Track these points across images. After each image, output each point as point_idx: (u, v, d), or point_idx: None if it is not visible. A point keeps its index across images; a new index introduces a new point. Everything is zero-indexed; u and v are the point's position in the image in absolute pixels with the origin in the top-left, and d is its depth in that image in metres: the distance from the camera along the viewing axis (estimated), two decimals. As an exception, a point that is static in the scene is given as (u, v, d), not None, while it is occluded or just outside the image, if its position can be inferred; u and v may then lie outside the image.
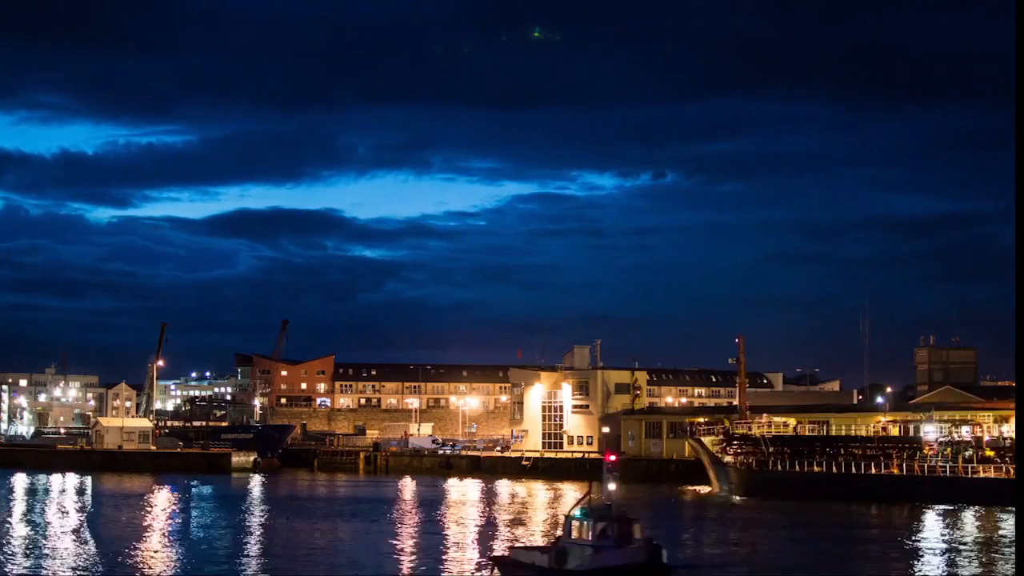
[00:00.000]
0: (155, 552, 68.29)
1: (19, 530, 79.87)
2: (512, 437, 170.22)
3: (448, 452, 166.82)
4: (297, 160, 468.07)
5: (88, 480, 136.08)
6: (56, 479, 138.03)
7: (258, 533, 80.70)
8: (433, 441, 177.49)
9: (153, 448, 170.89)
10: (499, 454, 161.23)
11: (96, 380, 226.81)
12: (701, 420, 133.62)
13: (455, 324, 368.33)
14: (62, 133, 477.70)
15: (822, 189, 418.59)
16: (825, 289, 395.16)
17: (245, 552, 68.80)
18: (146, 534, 78.10)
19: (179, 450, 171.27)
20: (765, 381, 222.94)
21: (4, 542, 71.70)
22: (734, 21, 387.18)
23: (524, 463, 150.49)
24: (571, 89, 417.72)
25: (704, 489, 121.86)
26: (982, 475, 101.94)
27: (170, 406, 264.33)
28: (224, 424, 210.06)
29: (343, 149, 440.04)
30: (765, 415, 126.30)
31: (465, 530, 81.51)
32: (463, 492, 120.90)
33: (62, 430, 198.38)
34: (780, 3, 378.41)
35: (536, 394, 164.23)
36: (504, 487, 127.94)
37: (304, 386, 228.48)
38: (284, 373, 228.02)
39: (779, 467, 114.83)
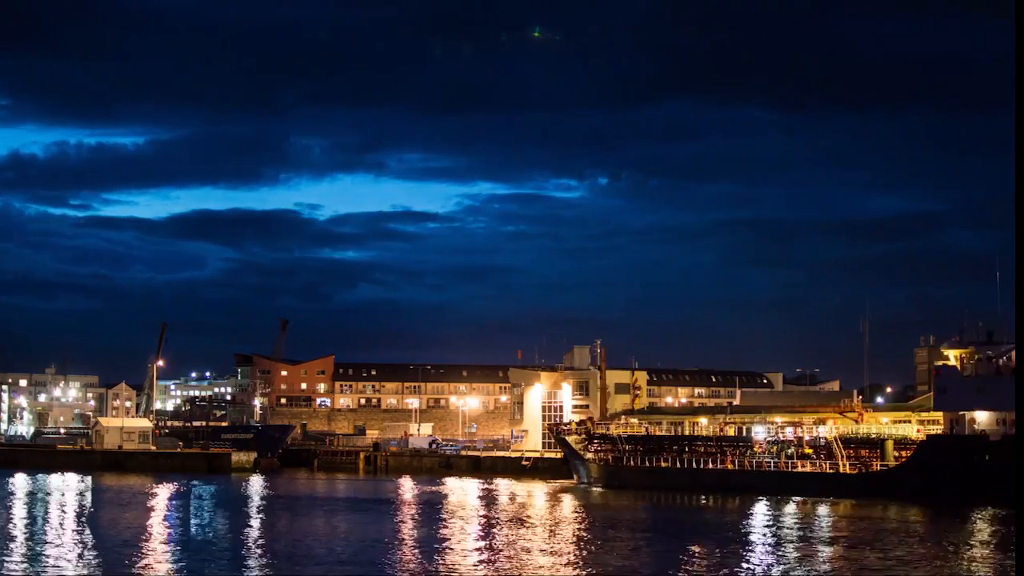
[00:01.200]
0: (155, 552, 68.31)
1: (19, 530, 79.88)
2: (512, 437, 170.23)
3: (448, 452, 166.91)
4: (251, 163, 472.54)
5: (88, 480, 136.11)
6: (56, 479, 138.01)
7: (258, 533, 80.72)
8: (432, 442, 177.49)
9: (153, 448, 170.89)
10: (496, 454, 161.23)
11: (96, 380, 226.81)
12: (569, 421, 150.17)
13: (434, 325, 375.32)
14: (11, 135, 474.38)
15: (782, 190, 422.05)
16: (796, 289, 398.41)
17: (245, 552, 68.81)
18: (146, 534, 78.09)
19: (179, 450, 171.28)
20: (765, 381, 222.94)
21: (4, 542, 71.69)
22: (690, 27, 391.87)
23: (524, 463, 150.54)
24: (526, 93, 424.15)
25: (569, 482, 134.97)
26: (799, 469, 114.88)
27: (170, 406, 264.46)
28: (224, 424, 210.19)
29: (298, 151, 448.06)
30: (624, 417, 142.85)
31: (464, 529, 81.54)
32: (463, 492, 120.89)
33: (62, 430, 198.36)
34: (738, 10, 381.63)
35: (536, 394, 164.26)
36: (504, 487, 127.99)
37: (304, 386, 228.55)
38: (284, 373, 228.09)
39: (632, 462, 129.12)
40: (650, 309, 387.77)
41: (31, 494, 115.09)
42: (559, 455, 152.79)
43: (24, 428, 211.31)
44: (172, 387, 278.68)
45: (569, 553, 68.67)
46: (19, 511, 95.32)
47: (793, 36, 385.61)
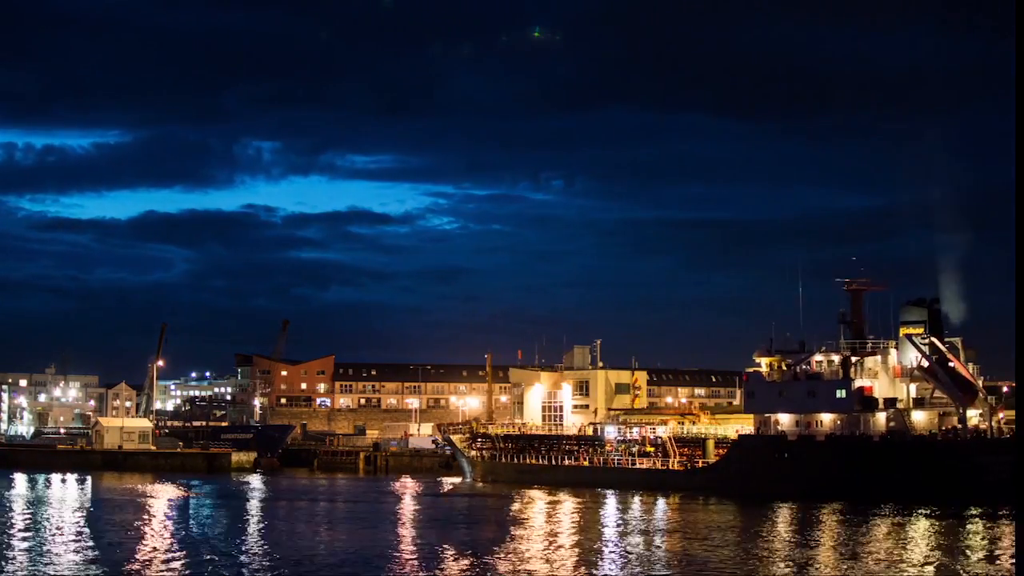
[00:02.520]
0: (155, 552, 68.29)
1: (19, 530, 79.87)
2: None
3: (448, 452, 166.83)
4: (200, 166, 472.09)
5: (88, 480, 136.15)
6: (56, 479, 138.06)
7: (257, 533, 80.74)
8: (433, 441, 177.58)
9: (153, 448, 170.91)
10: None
11: (96, 380, 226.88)
12: (455, 422, 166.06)
13: (413, 326, 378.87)
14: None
15: (736, 192, 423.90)
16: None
17: (244, 552, 68.81)
18: (146, 534, 78.12)
19: (179, 450, 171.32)
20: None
21: (4, 543, 71.70)
22: (636, 34, 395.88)
23: None
24: (475, 97, 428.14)
25: (457, 479, 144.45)
26: (638, 466, 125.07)
27: (170, 406, 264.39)
28: (224, 424, 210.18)
29: (249, 154, 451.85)
30: (507, 418, 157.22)
31: (464, 528, 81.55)
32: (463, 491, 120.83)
33: (62, 430, 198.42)
34: (685, 17, 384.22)
35: (536, 394, 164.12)
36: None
37: (304, 386, 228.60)
38: (284, 373, 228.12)
39: (505, 459, 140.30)
40: (638, 309, 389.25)
41: (31, 494, 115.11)
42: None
43: (24, 428, 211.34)
44: (172, 387, 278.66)
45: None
46: (19, 511, 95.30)
47: (741, 43, 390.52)
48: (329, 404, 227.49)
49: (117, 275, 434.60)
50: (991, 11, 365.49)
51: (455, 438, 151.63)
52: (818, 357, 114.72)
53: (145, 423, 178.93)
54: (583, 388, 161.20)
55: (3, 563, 62.07)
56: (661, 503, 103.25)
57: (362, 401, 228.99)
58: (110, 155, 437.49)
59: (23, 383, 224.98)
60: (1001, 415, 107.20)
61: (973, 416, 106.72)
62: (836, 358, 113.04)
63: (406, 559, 64.99)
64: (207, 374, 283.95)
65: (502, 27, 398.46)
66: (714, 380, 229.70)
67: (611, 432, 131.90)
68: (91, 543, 71.95)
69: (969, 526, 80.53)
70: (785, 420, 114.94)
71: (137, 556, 65.80)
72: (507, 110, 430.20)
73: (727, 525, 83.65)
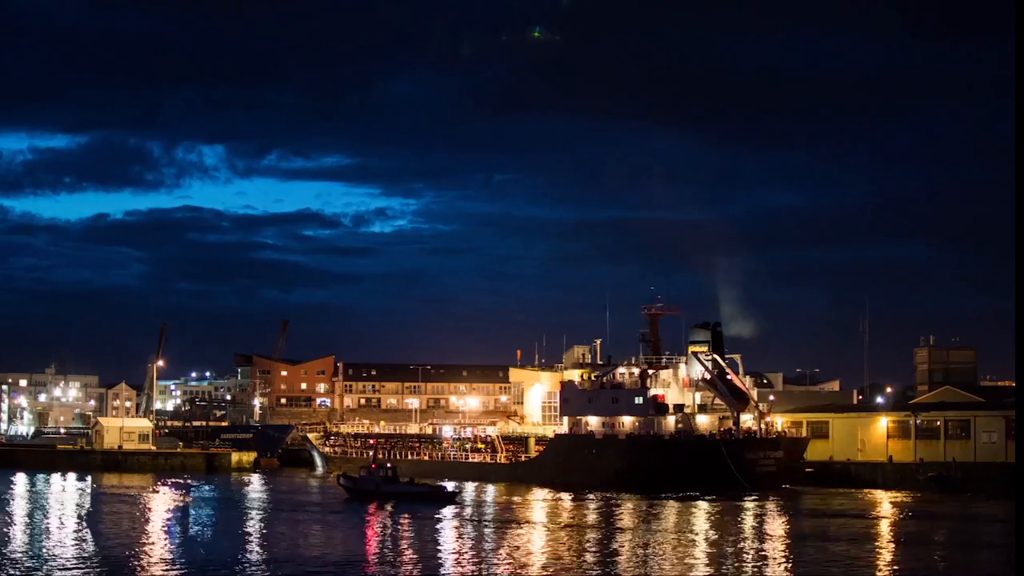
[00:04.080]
0: (154, 552, 68.30)
1: (19, 530, 79.90)
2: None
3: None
4: (144, 169, 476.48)
5: (88, 480, 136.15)
6: (56, 479, 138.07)
7: (257, 533, 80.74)
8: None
9: (153, 448, 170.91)
10: None
11: (96, 380, 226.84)
12: (311, 422, 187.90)
13: (382, 327, 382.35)
14: None
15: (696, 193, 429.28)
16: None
17: (244, 552, 68.82)
18: (146, 534, 78.16)
19: (179, 450, 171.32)
20: (765, 381, 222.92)
21: (4, 543, 71.71)
22: (574, 41, 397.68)
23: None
24: (407, 101, 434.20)
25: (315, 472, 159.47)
26: (470, 460, 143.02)
27: (170, 406, 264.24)
28: (224, 424, 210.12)
29: (191, 157, 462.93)
30: (358, 419, 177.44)
31: (463, 528, 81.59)
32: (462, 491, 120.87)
33: (62, 430, 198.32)
34: (602, 27, 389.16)
35: (536, 394, 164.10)
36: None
37: (304, 386, 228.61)
38: (284, 373, 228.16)
39: (355, 455, 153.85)
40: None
41: (31, 494, 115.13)
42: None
43: (24, 428, 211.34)
44: (172, 387, 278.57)
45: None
46: (19, 511, 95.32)
47: (659, 53, 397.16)
48: (329, 404, 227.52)
49: (80, 277, 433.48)
50: (917, 18, 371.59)
51: (312, 436, 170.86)
52: (621, 370, 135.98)
53: (145, 423, 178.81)
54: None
55: (3, 563, 62.06)
56: (490, 488, 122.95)
57: (362, 401, 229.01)
58: (49, 160, 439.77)
59: (23, 383, 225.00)
60: (768, 418, 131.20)
61: (747, 419, 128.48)
62: (636, 371, 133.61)
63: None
64: (207, 374, 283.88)
65: (442, 31, 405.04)
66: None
67: (448, 431, 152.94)
68: (91, 543, 71.94)
69: (743, 509, 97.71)
70: (594, 422, 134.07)
71: (137, 556, 65.80)
72: (445, 113, 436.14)
73: (547, 507, 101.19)
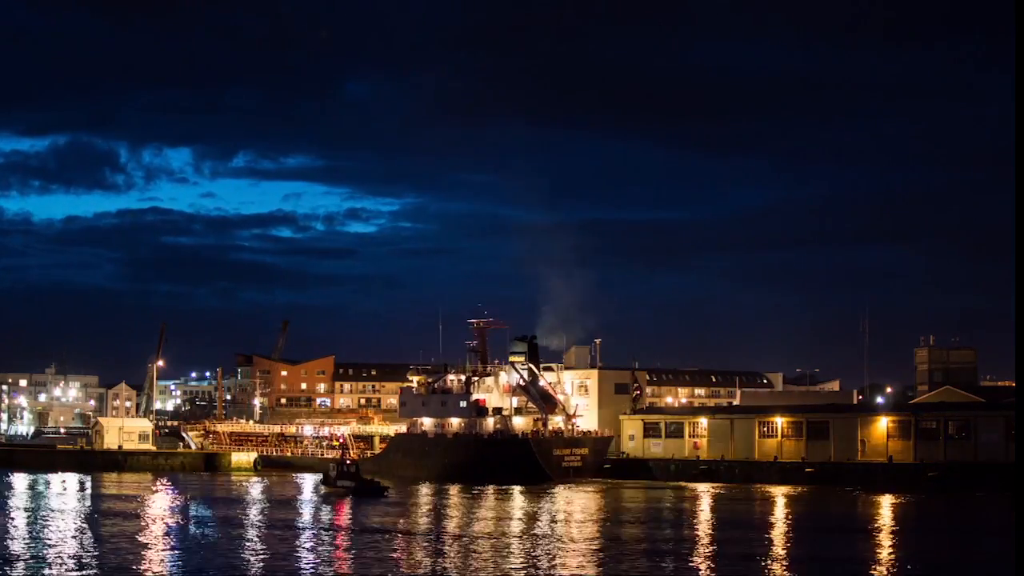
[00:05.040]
0: (154, 552, 68.31)
1: (19, 530, 79.88)
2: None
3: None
4: (108, 172, 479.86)
5: (88, 480, 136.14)
6: (56, 479, 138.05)
7: (257, 532, 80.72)
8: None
9: (153, 448, 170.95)
10: None
11: (96, 380, 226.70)
12: (192, 421, 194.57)
13: (367, 327, 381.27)
14: None
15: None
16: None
17: (244, 552, 68.81)
18: (146, 534, 78.14)
19: (179, 450, 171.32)
20: (765, 381, 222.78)
21: (4, 542, 71.70)
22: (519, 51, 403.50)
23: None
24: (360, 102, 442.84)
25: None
26: (325, 455, 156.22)
27: (170, 406, 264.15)
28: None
29: (156, 160, 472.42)
30: (235, 418, 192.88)
31: (462, 528, 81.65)
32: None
33: (62, 430, 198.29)
34: (529, 37, 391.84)
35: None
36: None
37: (304, 386, 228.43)
38: (284, 373, 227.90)
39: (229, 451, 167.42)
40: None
41: (31, 494, 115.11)
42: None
43: (24, 428, 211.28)
44: (172, 387, 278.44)
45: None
46: (19, 511, 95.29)
47: (584, 59, 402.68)
48: (329, 404, 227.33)
49: (55, 277, 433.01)
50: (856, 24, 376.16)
51: (191, 434, 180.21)
52: (451, 376, 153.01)
53: (145, 423, 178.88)
54: (583, 388, 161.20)
55: (3, 563, 62.06)
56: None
57: (362, 401, 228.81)
58: (20, 162, 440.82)
59: (23, 383, 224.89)
60: (575, 420, 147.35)
61: (556, 421, 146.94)
62: (463, 377, 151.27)
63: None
64: (207, 374, 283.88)
65: (404, 36, 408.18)
66: (714, 380, 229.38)
67: (308, 430, 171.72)
68: (91, 543, 71.94)
69: (550, 496, 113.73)
70: (428, 422, 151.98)
71: (137, 556, 65.81)
72: (409, 117, 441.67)
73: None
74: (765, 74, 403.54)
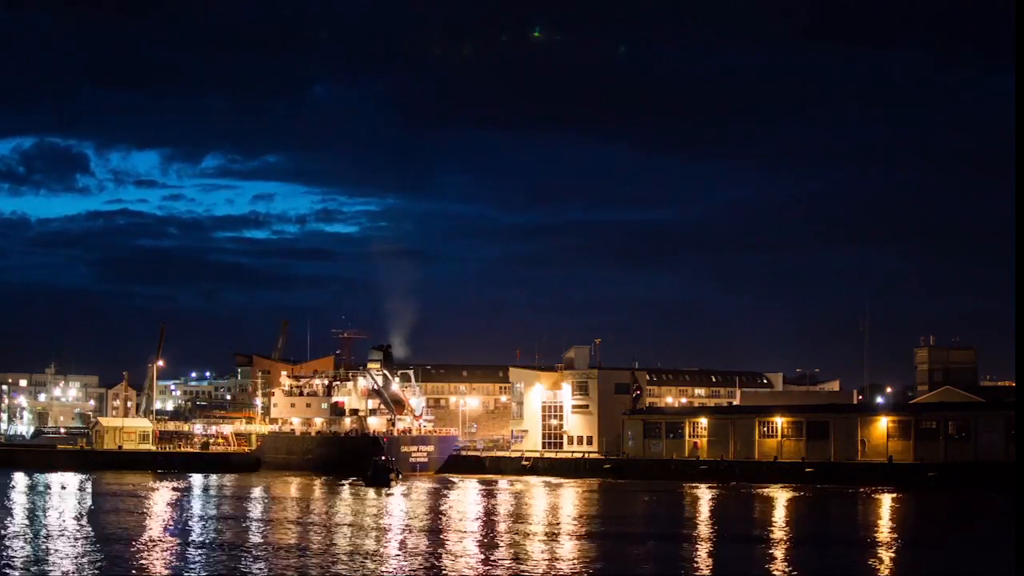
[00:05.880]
0: (155, 552, 68.32)
1: (19, 530, 79.90)
2: (512, 437, 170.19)
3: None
4: (69, 173, 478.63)
5: (88, 480, 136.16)
6: (56, 479, 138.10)
7: (257, 532, 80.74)
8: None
9: (153, 448, 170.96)
10: (496, 454, 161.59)
11: (96, 380, 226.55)
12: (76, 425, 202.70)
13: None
14: None
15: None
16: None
17: (244, 551, 68.81)
18: (146, 534, 78.15)
19: (179, 450, 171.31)
20: (765, 381, 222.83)
21: (4, 542, 71.72)
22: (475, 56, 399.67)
23: (524, 463, 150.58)
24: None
25: None
26: (211, 451, 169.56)
27: (170, 406, 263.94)
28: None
29: (125, 162, 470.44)
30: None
31: (462, 528, 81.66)
32: (462, 491, 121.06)
33: (62, 430, 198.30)
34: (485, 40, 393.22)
35: (536, 394, 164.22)
36: (504, 486, 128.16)
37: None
38: (284, 373, 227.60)
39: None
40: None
41: (31, 494, 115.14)
42: (559, 455, 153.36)
43: (24, 428, 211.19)
44: (172, 387, 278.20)
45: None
46: (19, 511, 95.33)
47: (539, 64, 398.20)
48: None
49: (31, 279, 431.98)
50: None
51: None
52: (316, 381, 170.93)
53: (145, 423, 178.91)
54: (583, 388, 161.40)
55: (3, 564, 62.08)
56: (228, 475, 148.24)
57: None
58: None
59: (23, 383, 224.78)
60: (418, 421, 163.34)
61: (405, 420, 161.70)
62: (326, 381, 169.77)
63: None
64: (207, 374, 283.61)
65: (377, 37, 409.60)
66: (714, 380, 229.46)
67: (198, 428, 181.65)
68: (91, 543, 71.96)
69: (393, 490, 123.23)
70: (296, 422, 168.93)
71: (137, 556, 65.83)
72: (379, 119, 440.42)
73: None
74: (755, 75, 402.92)
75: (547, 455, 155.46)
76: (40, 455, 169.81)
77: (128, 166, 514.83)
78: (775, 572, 61.72)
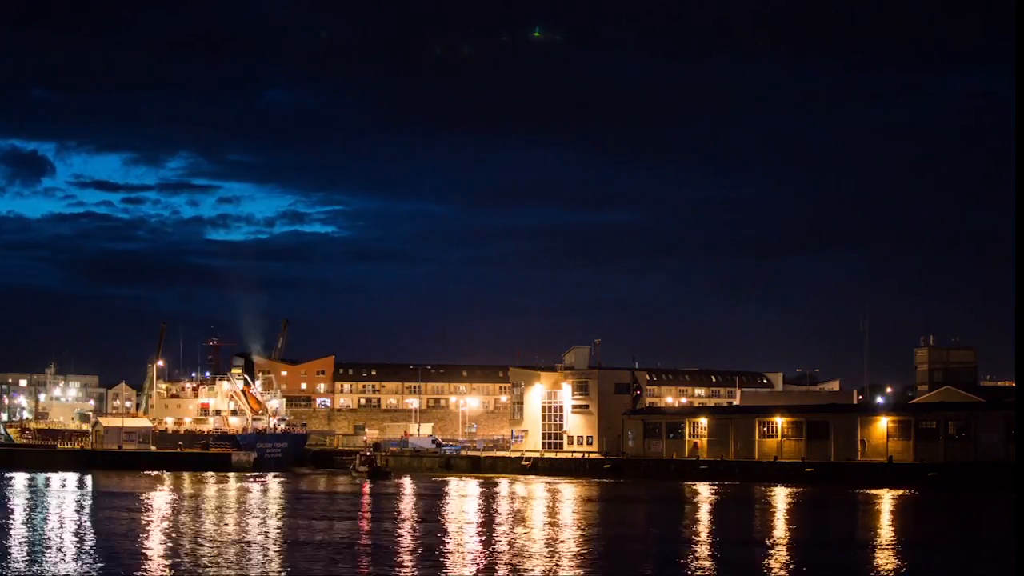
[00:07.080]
0: (154, 552, 68.33)
1: (19, 530, 79.92)
2: (512, 437, 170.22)
3: (448, 452, 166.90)
4: (42, 176, 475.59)
5: (88, 480, 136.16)
6: (56, 479, 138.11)
7: (257, 532, 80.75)
8: (433, 441, 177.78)
9: (153, 448, 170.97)
10: (496, 454, 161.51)
11: (96, 380, 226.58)
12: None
13: (339, 329, 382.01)
14: None
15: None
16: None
17: (244, 551, 68.81)
18: (146, 534, 78.16)
19: (179, 450, 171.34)
20: (765, 381, 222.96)
21: (4, 542, 71.73)
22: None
23: (524, 463, 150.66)
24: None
25: None
26: (71, 448, 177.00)
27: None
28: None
29: (89, 163, 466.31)
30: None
31: (462, 527, 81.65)
32: (463, 491, 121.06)
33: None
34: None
35: (536, 394, 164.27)
36: (504, 486, 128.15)
37: (304, 386, 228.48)
38: (284, 373, 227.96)
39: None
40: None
41: (31, 494, 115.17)
42: (559, 455, 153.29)
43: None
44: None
45: None
46: (18, 511, 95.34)
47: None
48: (329, 404, 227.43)
49: (6, 280, 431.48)
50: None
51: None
52: (185, 384, 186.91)
53: (145, 423, 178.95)
54: (583, 388, 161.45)
55: (3, 563, 62.09)
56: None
57: (362, 401, 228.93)
58: None
59: (23, 383, 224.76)
60: (274, 420, 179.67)
61: (263, 420, 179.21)
62: (191, 386, 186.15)
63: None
64: (207, 374, 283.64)
65: (341, 38, 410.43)
66: (714, 380, 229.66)
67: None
68: (91, 543, 71.98)
69: (233, 483, 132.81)
70: (169, 421, 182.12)
71: (137, 556, 65.83)
72: (345, 121, 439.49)
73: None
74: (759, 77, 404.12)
75: (547, 455, 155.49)
76: (40, 455, 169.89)
77: (89, 170, 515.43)
78: (775, 572, 61.73)
